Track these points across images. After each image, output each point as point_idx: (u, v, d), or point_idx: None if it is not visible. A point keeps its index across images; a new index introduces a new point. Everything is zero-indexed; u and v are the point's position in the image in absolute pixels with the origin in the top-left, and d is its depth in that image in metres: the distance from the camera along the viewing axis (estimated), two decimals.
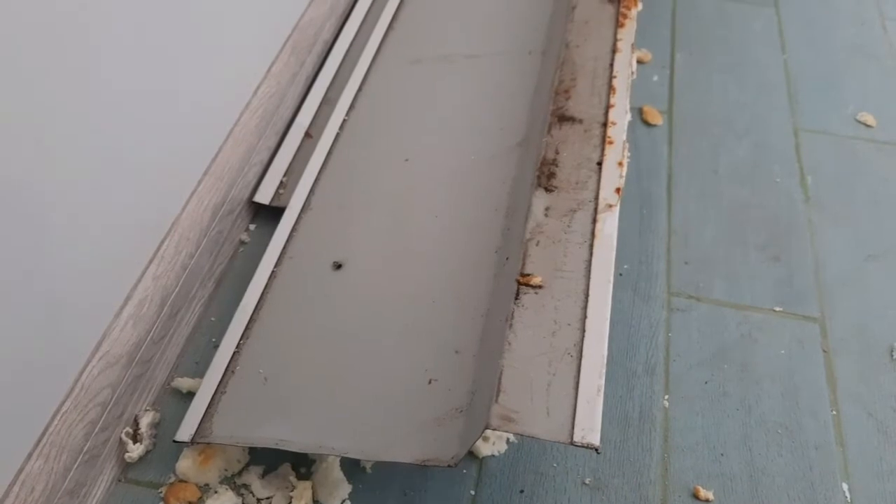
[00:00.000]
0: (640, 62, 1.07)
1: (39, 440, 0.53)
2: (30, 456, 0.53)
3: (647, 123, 0.99)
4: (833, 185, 0.93)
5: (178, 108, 0.66)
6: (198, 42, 0.68)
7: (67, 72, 0.50)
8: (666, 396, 0.72)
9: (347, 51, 0.97)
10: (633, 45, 0.83)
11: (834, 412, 0.72)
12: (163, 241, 0.67)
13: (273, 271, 0.74)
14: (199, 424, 0.63)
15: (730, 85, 1.05)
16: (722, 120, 1.00)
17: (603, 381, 0.55)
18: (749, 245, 0.86)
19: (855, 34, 1.14)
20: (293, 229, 0.78)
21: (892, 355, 0.76)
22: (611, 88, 0.78)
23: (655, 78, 1.06)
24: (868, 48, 1.12)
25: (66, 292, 0.54)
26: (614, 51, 0.82)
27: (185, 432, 0.62)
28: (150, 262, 0.65)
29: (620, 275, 0.82)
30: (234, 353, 0.68)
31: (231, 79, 0.78)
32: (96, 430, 0.59)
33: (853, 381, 0.74)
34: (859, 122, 1.01)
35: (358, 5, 1.03)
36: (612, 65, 0.81)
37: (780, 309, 0.80)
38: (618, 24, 0.85)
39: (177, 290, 0.68)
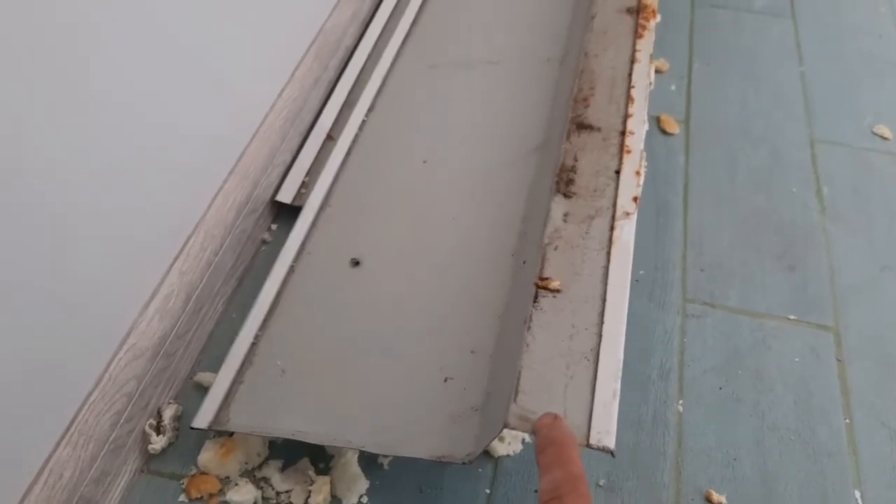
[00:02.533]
0: (658, 71, 1.09)
1: (68, 428, 0.55)
2: (59, 443, 0.54)
3: (664, 132, 1.00)
4: (849, 197, 0.93)
5: (206, 110, 0.68)
6: (226, 46, 0.70)
7: (95, 72, 0.51)
8: (680, 401, 0.73)
9: (369, 56, 0.99)
10: (651, 55, 0.84)
11: (847, 420, 0.72)
12: (189, 238, 0.68)
13: (291, 266, 0.76)
14: (217, 413, 0.64)
15: (747, 95, 1.06)
16: (738, 129, 1.01)
17: (619, 386, 0.56)
18: (764, 254, 0.87)
19: (872, 47, 1.15)
20: (312, 226, 0.79)
21: None
22: (629, 98, 0.79)
23: (673, 87, 1.07)
24: (885, 61, 1.12)
25: (96, 286, 0.56)
26: (633, 61, 0.83)
27: (202, 419, 0.64)
28: (177, 258, 0.66)
29: (636, 281, 0.83)
30: (252, 343, 0.69)
31: (257, 82, 0.79)
32: (122, 420, 0.60)
33: (867, 390, 0.75)
34: (876, 134, 1.01)
35: (379, 12, 1.05)
36: (630, 75, 0.82)
37: (795, 317, 0.80)
38: (636, 35, 0.86)
39: (201, 286, 0.70)
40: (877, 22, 1.19)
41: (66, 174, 0.50)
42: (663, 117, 1.01)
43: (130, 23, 0.54)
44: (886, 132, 1.01)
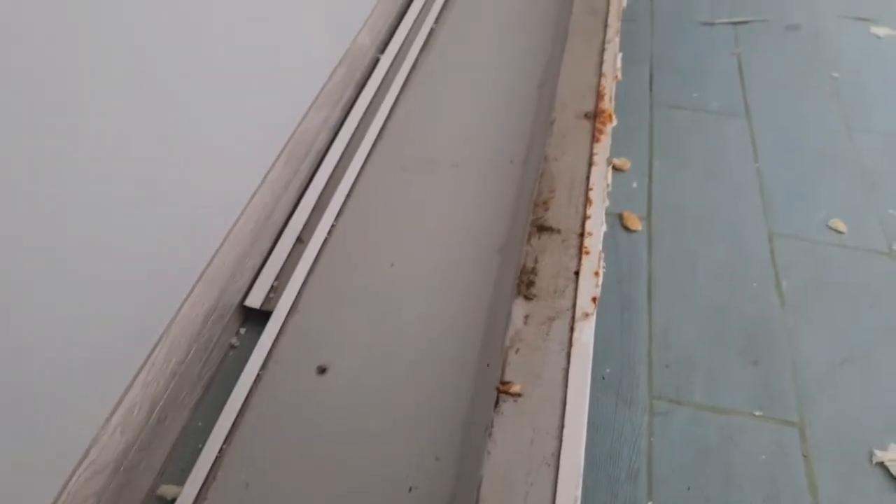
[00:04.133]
0: (619, 170, 1.13)
1: None
2: None
3: (627, 229, 1.03)
4: (808, 290, 0.96)
5: (175, 217, 0.70)
6: (199, 153, 0.72)
7: (64, 178, 0.53)
8: (649, 503, 0.72)
9: (339, 159, 1.02)
10: (608, 158, 0.88)
11: None
12: (154, 348, 0.68)
13: (258, 375, 0.76)
14: None
15: (706, 191, 1.10)
16: (699, 225, 1.04)
17: (580, 493, 0.56)
18: (728, 348, 0.88)
19: (824, 144, 1.20)
20: (280, 332, 0.80)
21: (871, 460, 0.77)
22: (587, 200, 0.82)
23: (635, 185, 1.11)
24: (836, 157, 1.18)
25: (56, 399, 0.56)
26: (590, 164, 0.87)
27: None
28: (141, 369, 0.67)
29: (603, 378, 0.84)
30: (217, 458, 0.68)
31: (229, 187, 0.82)
32: None
33: (834, 486, 0.75)
34: (831, 228, 1.05)
35: (350, 116, 1.09)
36: (588, 178, 0.85)
37: (760, 413, 0.81)
38: (594, 140, 0.90)
39: (166, 396, 0.70)
40: (826, 119, 1.25)
41: (27, 283, 0.51)
42: (626, 214, 1.04)
43: (97, 133, 0.56)
44: (841, 226, 1.05)
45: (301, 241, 0.92)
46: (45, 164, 0.50)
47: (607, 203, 0.84)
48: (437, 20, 1.33)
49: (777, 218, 1.06)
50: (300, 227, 0.93)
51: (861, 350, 0.88)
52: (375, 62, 1.22)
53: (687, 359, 0.87)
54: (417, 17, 1.33)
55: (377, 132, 1.06)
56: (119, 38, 0.57)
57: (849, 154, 1.18)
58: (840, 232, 1.04)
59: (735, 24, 1.49)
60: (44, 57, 0.49)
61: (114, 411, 0.63)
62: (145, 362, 0.67)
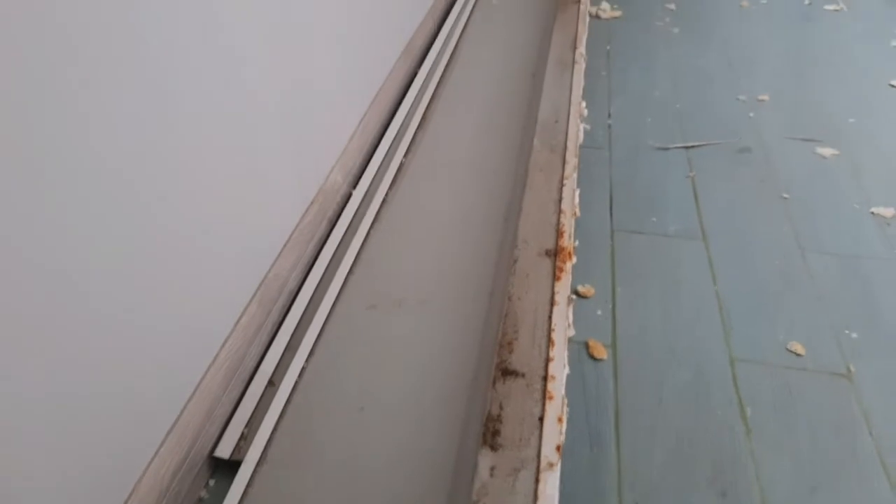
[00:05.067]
0: (584, 297, 1.16)
1: None
2: None
3: (593, 358, 1.05)
4: (771, 416, 0.98)
5: (147, 368, 0.71)
6: (171, 301, 0.74)
7: (26, 333, 0.55)
8: None
9: (310, 299, 1.05)
10: (568, 296, 0.92)
11: None
12: None
13: None
14: None
15: (668, 317, 1.13)
16: (663, 352, 1.07)
17: None
18: (697, 479, 0.89)
19: (779, 265, 1.25)
20: (249, 484, 0.80)
21: None
22: (550, 341, 0.84)
23: (599, 312, 1.14)
24: (792, 278, 1.22)
25: None
26: (552, 303, 0.90)
27: None
28: None
29: None
30: None
31: (199, 335, 0.83)
32: None
33: None
34: (790, 350, 1.08)
35: (321, 255, 1.13)
36: (550, 317, 0.88)
37: None
38: (555, 278, 0.94)
39: None
40: (780, 240, 1.31)
41: None
42: (591, 343, 1.07)
43: (79, 282, 0.58)
44: (799, 348, 1.08)
45: (272, 383, 0.93)
46: (12, 329, 0.52)
47: (567, 342, 0.87)
48: (406, 153, 1.39)
49: (737, 342, 1.09)
50: (271, 369, 0.94)
51: (827, 478, 0.90)
52: (348, 197, 1.27)
53: (656, 492, 0.87)
54: (388, 151, 1.39)
55: (348, 269, 1.10)
56: (82, 193, 0.60)
57: (803, 275, 1.23)
58: (799, 355, 1.08)
59: (688, 148, 1.58)
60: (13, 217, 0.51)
61: None
62: None
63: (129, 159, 0.64)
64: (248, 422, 0.88)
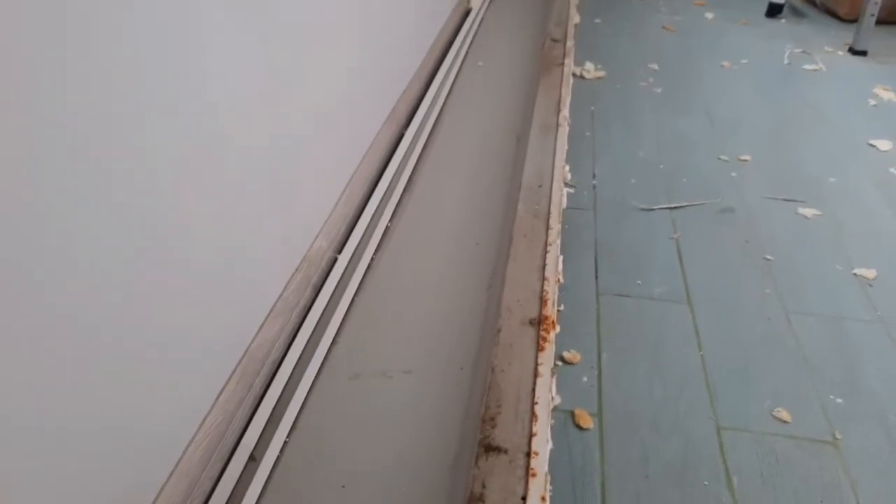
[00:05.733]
0: (570, 363, 1.16)
1: None
2: None
3: (579, 427, 1.05)
4: (758, 487, 0.97)
5: (117, 453, 0.70)
6: (148, 380, 0.74)
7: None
8: None
9: (293, 369, 1.04)
10: (552, 368, 0.91)
11: None
12: None
13: None
14: None
15: (654, 383, 1.13)
16: (649, 420, 1.06)
17: None
18: None
19: (763, 328, 1.26)
20: None
21: None
22: (533, 416, 0.84)
23: (585, 379, 1.14)
24: (776, 342, 1.23)
25: None
26: (536, 375, 0.90)
27: None
28: None
29: None
30: None
31: (177, 414, 0.82)
32: None
33: None
34: (776, 417, 1.08)
35: (306, 321, 1.12)
36: (534, 390, 0.88)
37: None
38: (539, 348, 0.94)
39: None
40: (764, 303, 1.32)
41: None
42: (577, 412, 1.07)
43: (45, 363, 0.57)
44: (785, 415, 1.08)
45: (253, 458, 0.92)
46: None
47: (553, 412, 0.86)
48: (392, 217, 1.40)
49: (723, 409, 1.09)
50: (253, 444, 0.93)
51: None
52: (333, 261, 1.28)
53: None
54: (374, 214, 1.40)
55: (332, 338, 1.09)
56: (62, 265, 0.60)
57: (788, 338, 1.23)
58: (785, 422, 1.07)
59: (672, 209, 1.60)
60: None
61: None
62: None
63: (104, 227, 0.64)
64: (229, 500, 0.86)
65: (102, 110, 0.61)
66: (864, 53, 2.55)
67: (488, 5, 2.65)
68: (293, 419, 0.96)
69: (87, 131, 0.59)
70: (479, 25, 2.45)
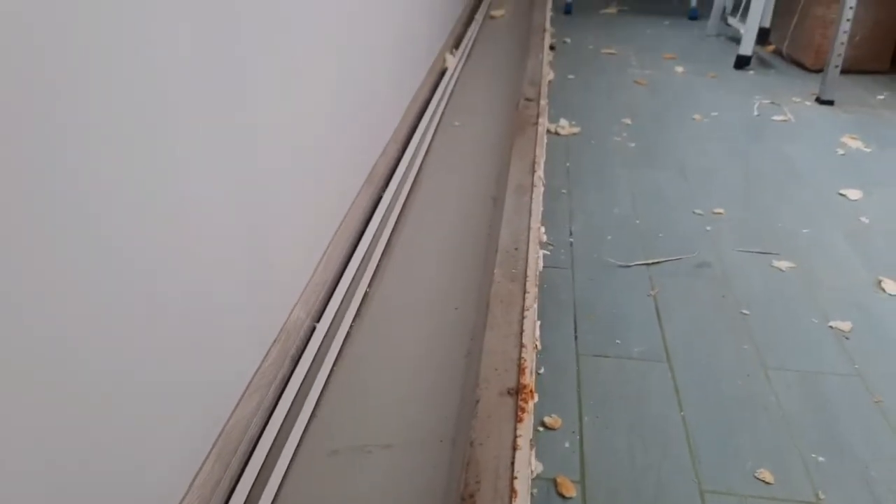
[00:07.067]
0: (550, 429, 1.16)
1: None
2: None
3: (561, 496, 1.04)
4: None
5: None
6: (113, 467, 0.72)
7: None
8: None
9: (271, 447, 1.02)
10: (531, 440, 0.91)
11: None
12: None
13: None
14: None
15: (635, 448, 1.13)
16: (631, 487, 1.05)
17: None
18: None
19: (743, 385, 1.26)
20: None
21: None
22: (512, 492, 0.83)
23: (567, 444, 1.13)
24: (756, 399, 1.23)
25: None
26: (514, 448, 0.89)
27: None
28: None
29: None
30: None
31: (151, 502, 0.81)
32: None
33: None
34: (758, 479, 1.07)
35: (284, 395, 1.11)
36: (513, 464, 0.87)
37: None
38: (517, 419, 0.93)
39: None
40: (743, 359, 1.33)
41: None
42: (559, 479, 1.06)
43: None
44: (768, 476, 1.07)
45: None
46: None
47: (533, 484, 0.86)
48: (370, 284, 1.40)
49: (706, 472, 1.08)
50: None
51: None
52: (311, 330, 1.27)
53: None
54: (352, 281, 1.40)
55: (310, 413, 1.08)
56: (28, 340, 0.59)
57: (768, 395, 1.24)
58: (768, 483, 1.07)
59: (649, 265, 1.61)
60: None
61: None
62: None
63: (76, 307, 0.64)
64: None
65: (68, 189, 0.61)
66: (830, 103, 2.62)
67: (464, 64, 2.71)
68: (271, 500, 0.94)
69: (51, 218, 0.60)
70: (455, 84, 2.49)
